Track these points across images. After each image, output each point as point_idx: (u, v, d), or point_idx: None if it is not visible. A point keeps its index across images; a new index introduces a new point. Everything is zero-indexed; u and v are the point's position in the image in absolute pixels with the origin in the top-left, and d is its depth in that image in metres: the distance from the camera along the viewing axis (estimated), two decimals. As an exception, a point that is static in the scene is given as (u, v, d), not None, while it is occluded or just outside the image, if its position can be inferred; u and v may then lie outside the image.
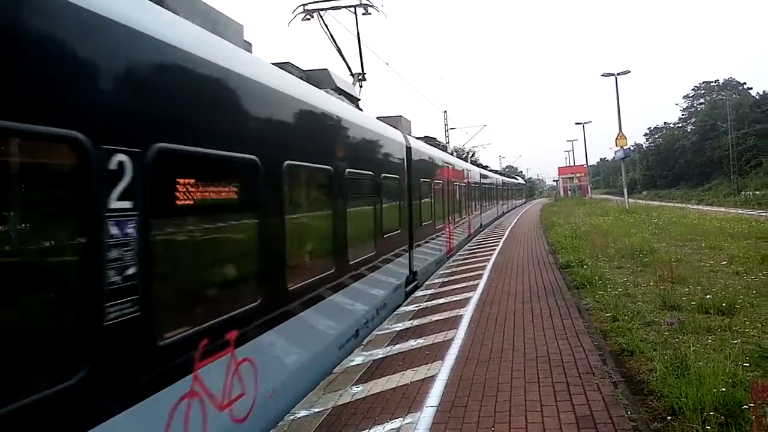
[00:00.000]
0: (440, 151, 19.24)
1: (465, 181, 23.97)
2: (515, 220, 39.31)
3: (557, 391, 5.89)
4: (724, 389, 5.12)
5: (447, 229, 18.44)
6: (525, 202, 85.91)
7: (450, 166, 19.78)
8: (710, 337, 7.41)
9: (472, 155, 58.90)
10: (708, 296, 9.36)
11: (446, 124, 57.35)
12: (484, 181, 33.21)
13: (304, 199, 7.38)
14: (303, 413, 5.69)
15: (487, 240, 25.01)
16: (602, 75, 41.60)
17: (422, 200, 14.26)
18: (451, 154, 28.61)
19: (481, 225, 30.35)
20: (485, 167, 43.17)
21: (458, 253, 20.41)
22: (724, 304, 8.80)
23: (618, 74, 41.13)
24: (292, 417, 5.60)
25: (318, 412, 5.72)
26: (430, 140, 18.84)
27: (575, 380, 6.16)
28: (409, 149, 12.91)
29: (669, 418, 5.10)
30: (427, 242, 14.86)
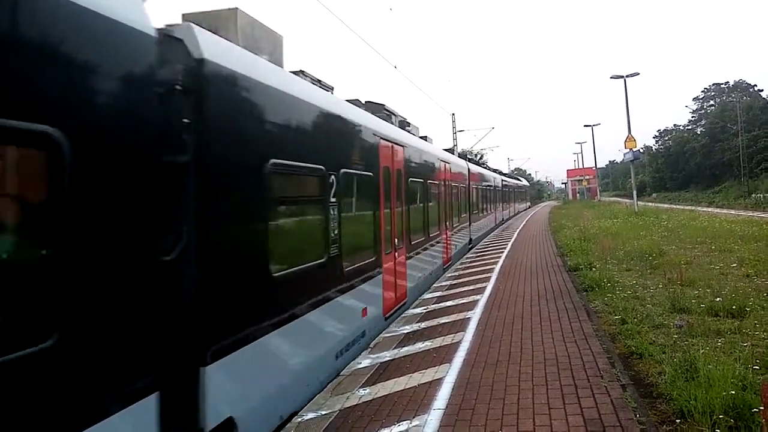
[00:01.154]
0: (365, 113, 9.72)
1: (439, 178, 15.82)
2: (523, 224, 39.16)
3: (565, 393, 5.86)
4: (733, 392, 5.08)
5: (390, 264, 10.09)
6: (529, 207, 76.08)
7: (395, 146, 10.84)
8: (720, 340, 7.36)
9: (480, 157, 58.59)
10: (718, 299, 9.30)
11: (454, 127, 57.28)
12: (476, 181, 25.11)
13: None
14: (310, 415, 5.69)
15: (494, 243, 24.93)
16: (611, 77, 41.42)
17: (284, 214, 6.27)
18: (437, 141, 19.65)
19: (470, 241, 23.02)
20: (480, 163, 34.49)
21: (458, 260, 20.28)
22: (734, 307, 8.73)
23: (627, 76, 40.93)
24: (299, 419, 5.61)
25: (325, 414, 5.72)
26: (375, 108, 11.42)
27: (583, 383, 6.13)
28: (214, 78, 4.74)
29: (678, 421, 5.07)
30: (316, 313, 6.65)
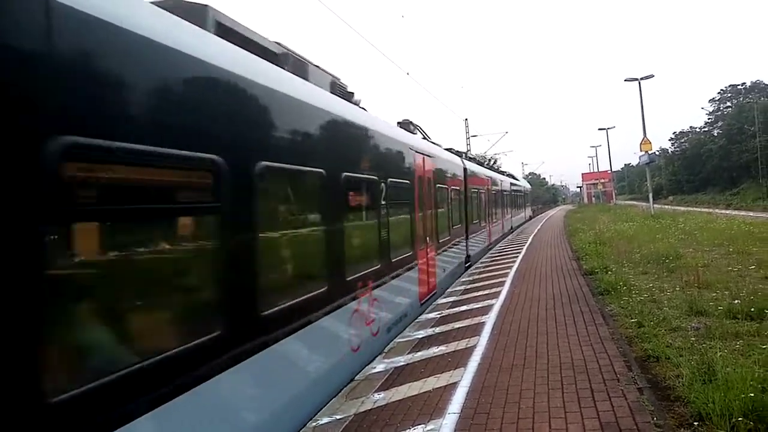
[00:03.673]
0: None
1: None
2: (537, 228, 38.93)
3: (581, 397, 5.82)
4: (753, 395, 5.01)
5: None
6: (530, 219, 54.53)
7: None
8: (738, 343, 7.27)
9: (494, 162, 58.26)
10: (736, 301, 9.17)
11: (467, 132, 57.30)
12: (422, 165, 11.29)
13: None
14: (325, 420, 5.71)
15: (509, 247, 24.83)
16: (625, 80, 41.29)
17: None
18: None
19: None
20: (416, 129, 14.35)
21: (477, 264, 20.24)
22: (752, 309, 8.61)
23: (641, 79, 40.76)
24: (314, 423, 5.63)
25: (340, 419, 5.73)
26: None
27: (600, 387, 6.09)
28: None
29: (696, 424, 5.02)
30: None
